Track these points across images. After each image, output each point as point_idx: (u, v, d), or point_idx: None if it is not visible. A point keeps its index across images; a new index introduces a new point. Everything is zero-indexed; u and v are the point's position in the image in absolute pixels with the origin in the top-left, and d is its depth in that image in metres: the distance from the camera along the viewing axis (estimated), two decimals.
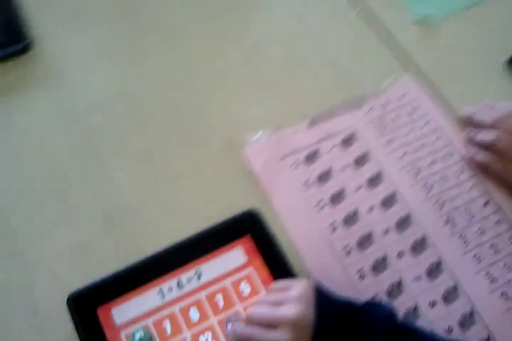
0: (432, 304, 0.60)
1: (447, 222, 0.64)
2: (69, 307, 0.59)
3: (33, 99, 0.73)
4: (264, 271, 0.61)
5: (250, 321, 0.51)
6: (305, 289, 0.51)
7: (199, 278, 0.61)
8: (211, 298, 0.60)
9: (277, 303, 0.51)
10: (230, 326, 0.56)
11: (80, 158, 0.69)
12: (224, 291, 0.60)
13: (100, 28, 0.78)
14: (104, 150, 0.70)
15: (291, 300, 0.50)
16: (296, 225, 0.64)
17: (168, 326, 0.59)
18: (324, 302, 0.50)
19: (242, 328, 0.51)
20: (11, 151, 0.70)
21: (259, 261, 0.62)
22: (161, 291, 0.60)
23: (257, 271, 0.61)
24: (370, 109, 0.71)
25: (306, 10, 0.78)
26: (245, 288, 0.61)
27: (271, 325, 0.49)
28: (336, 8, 0.78)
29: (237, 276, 0.61)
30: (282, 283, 0.55)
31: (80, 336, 0.57)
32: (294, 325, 0.48)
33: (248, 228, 0.63)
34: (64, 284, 0.61)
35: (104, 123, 0.71)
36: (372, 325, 0.48)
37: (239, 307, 0.59)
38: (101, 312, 0.59)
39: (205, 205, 0.66)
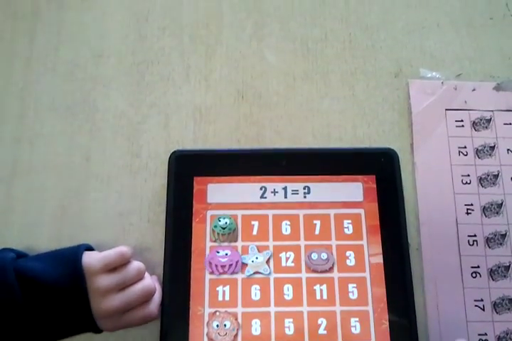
0: None
1: None
2: (169, 162, 0.53)
3: None
4: (374, 220, 0.54)
5: None
6: None
7: (305, 194, 0.54)
8: (309, 219, 0.54)
9: None
10: None
11: None
12: (324, 219, 0.54)
13: None
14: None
15: None
16: (428, 190, 0.56)
17: (255, 226, 0.53)
18: None
19: None
20: None
21: (373, 207, 0.55)
22: (263, 189, 0.54)
23: (367, 215, 0.54)
24: None
25: None
26: (348, 226, 0.54)
27: None
28: None
29: (344, 211, 0.54)
30: None
31: (168, 194, 0.52)
32: None
33: (377, 168, 0.56)
34: (176, 140, 0.57)
35: None
36: None
37: (333, 243, 0.53)
38: (197, 182, 0.53)
39: (344, 124, 0.59)
